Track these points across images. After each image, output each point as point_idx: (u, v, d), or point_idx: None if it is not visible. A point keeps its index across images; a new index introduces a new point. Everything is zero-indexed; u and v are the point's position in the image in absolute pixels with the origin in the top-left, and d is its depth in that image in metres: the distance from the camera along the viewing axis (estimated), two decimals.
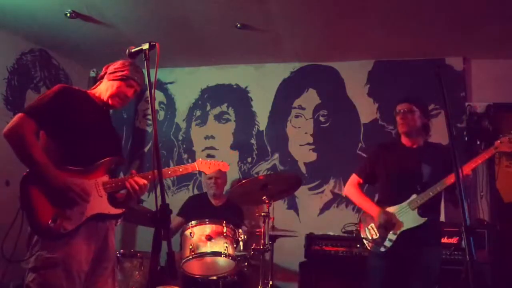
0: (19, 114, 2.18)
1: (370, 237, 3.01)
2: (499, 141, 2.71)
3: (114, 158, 2.36)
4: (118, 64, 2.47)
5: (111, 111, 2.56)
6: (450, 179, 2.74)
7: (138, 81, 2.46)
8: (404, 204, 2.91)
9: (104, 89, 2.44)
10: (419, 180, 2.91)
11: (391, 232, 2.91)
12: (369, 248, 3.02)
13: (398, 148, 3.09)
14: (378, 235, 2.97)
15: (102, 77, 2.49)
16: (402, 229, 2.87)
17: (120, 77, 2.42)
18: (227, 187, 4.53)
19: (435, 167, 2.92)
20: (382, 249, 2.92)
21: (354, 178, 3.23)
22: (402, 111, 3.01)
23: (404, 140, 3.07)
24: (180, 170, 2.58)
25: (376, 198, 3.17)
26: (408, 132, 3.03)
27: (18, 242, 2.11)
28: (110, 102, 2.43)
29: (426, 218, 2.84)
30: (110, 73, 2.45)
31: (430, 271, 2.86)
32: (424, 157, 2.97)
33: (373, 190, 3.32)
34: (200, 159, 2.76)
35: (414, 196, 2.88)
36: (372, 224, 3.02)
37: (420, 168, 2.94)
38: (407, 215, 2.88)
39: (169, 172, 2.55)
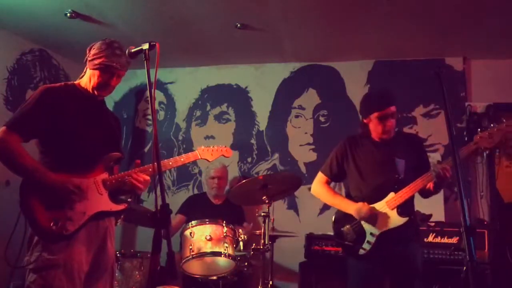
0: (2, 128, 2.14)
1: (346, 239, 2.82)
2: (478, 136, 2.58)
3: (113, 155, 2.33)
4: (96, 48, 2.30)
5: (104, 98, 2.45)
6: (429, 177, 2.63)
7: (118, 66, 2.27)
8: (382, 203, 2.73)
9: (87, 79, 2.33)
10: (394, 177, 2.74)
11: (369, 234, 2.74)
12: (346, 251, 2.86)
13: (368, 142, 2.90)
14: (355, 236, 2.78)
15: (86, 62, 2.36)
16: (383, 230, 2.71)
17: (98, 65, 2.26)
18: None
19: (408, 160, 2.78)
20: (361, 252, 2.74)
21: (320, 177, 3.02)
22: (389, 115, 2.78)
23: (375, 136, 2.88)
24: (182, 159, 2.48)
25: (344, 195, 2.99)
26: (389, 138, 2.85)
27: (21, 247, 2.12)
28: (95, 93, 2.33)
29: (407, 218, 2.69)
30: (90, 60, 2.29)
31: (413, 268, 2.72)
32: (396, 151, 2.80)
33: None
34: (202, 147, 2.66)
35: (391, 194, 2.72)
36: (348, 226, 2.82)
37: (393, 164, 2.77)
38: (386, 215, 2.72)
39: (170, 163, 2.45)
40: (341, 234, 2.86)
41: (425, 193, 2.84)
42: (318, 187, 3.02)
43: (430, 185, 2.73)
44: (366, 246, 2.74)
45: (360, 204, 2.76)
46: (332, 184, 3.10)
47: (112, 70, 2.29)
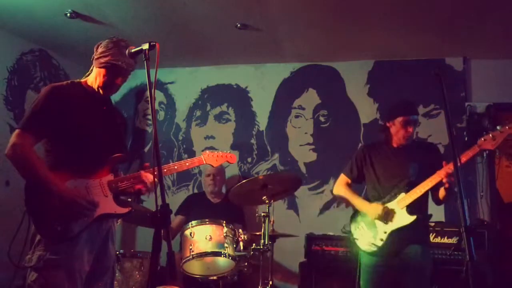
0: (16, 132, 2.13)
1: (360, 236, 3.02)
2: (482, 139, 2.72)
3: (118, 157, 2.32)
4: (103, 46, 2.27)
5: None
6: (436, 178, 2.77)
7: (124, 66, 2.24)
8: (393, 203, 2.92)
9: (94, 78, 2.31)
10: (407, 179, 2.92)
11: (381, 231, 2.93)
12: (360, 247, 3.03)
13: (385, 148, 3.10)
14: (368, 234, 2.99)
15: (93, 60, 2.34)
16: (392, 228, 2.89)
17: (104, 64, 2.23)
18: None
19: (422, 166, 2.93)
20: (373, 248, 2.93)
21: (342, 178, 3.25)
22: (411, 123, 2.96)
23: (394, 142, 3.08)
24: (187, 164, 2.49)
25: (362, 197, 3.18)
26: (406, 144, 3.03)
27: (24, 246, 2.11)
28: (101, 92, 2.31)
29: (415, 216, 2.85)
30: (97, 58, 2.27)
31: (422, 269, 2.86)
32: (411, 156, 2.98)
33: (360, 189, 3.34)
34: (207, 152, 2.68)
35: (402, 195, 2.90)
36: (363, 223, 3.04)
37: (407, 167, 2.96)
38: (396, 213, 2.90)
39: (175, 167, 2.45)
40: (357, 231, 3.06)
41: (438, 200, 2.97)
42: (339, 187, 3.24)
43: (442, 192, 2.86)
44: (378, 242, 2.92)
45: (374, 204, 2.98)
46: None
47: (119, 69, 2.26)
